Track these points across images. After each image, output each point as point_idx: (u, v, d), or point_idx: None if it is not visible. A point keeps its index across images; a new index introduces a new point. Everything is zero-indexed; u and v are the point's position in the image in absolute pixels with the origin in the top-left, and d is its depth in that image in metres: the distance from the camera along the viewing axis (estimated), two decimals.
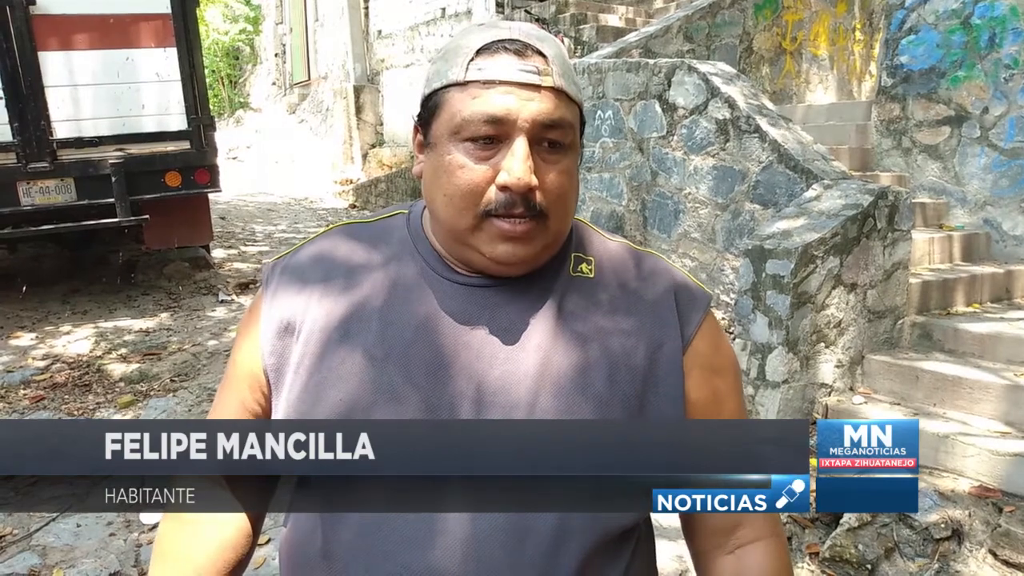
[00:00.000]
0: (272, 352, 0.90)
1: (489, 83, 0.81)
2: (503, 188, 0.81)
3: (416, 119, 0.90)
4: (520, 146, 0.81)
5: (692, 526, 0.96)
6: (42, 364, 4.58)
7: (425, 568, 0.80)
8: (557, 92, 0.83)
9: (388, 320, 0.87)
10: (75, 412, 3.93)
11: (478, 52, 0.83)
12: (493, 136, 0.82)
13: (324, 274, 0.92)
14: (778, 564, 0.93)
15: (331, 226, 0.99)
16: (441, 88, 0.85)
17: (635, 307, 0.91)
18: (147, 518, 2.91)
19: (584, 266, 0.93)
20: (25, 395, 4.13)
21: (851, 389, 3.53)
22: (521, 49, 0.83)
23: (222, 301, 5.85)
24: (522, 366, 0.85)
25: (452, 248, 0.89)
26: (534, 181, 0.81)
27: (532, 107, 0.81)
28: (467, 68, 0.82)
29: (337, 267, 0.92)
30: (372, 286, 0.90)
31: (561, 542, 0.82)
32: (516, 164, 0.80)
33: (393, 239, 0.94)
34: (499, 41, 0.83)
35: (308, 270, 0.93)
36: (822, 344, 3.41)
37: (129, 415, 3.91)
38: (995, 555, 2.56)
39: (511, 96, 0.81)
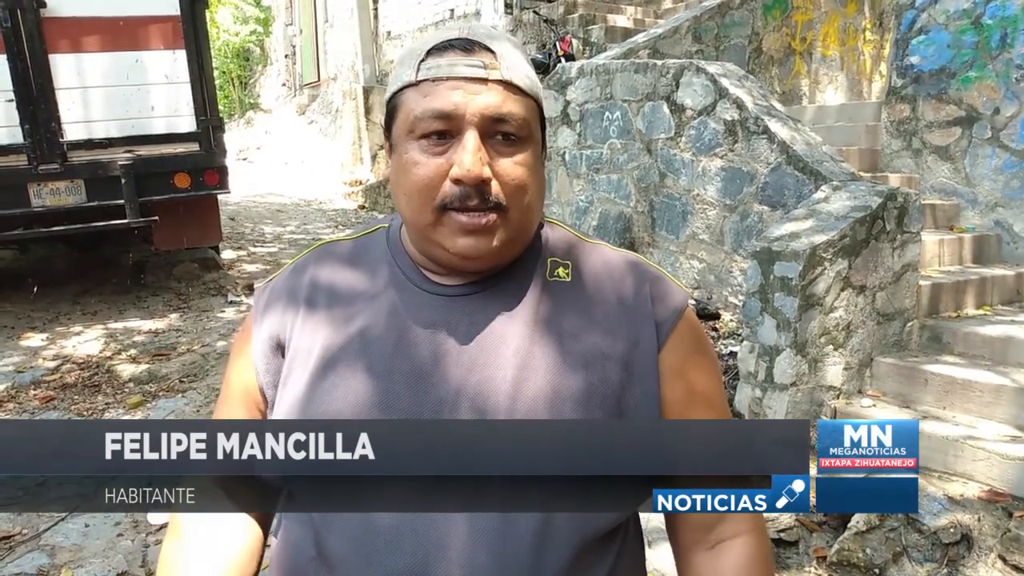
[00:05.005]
0: (267, 370, 0.94)
1: (438, 80, 0.84)
2: (456, 181, 0.83)
3: (383, 126, 0.94)
4: (470, 139, 0.83)
5: (674, 522, 0.96)
6: (52, 364, 4.61)
7: (412, 572, 0.80)
8: (506, 85, 0.85)
9: (369, 334, 0.89)
10: (84, 412, 3.95)
11: (428, 53, 0.86)
12: (444, 131, 0.84)
13: (308, 293, 0.95)
14: (755, 559, 0.93)
15: (315, 245, 1.02)
16: (397, 91, 0.88)
17: (612, 309, 0.92)
18: (154, 518, 2.92)
19: (561, 270, 0.95)
20: (35, 395, 4.16)
21: (859, 392, 3.51)
22: (468, 46, 0.85)
23: (231, 302, 5.87)
24: (500, 371, 0.86)
25: (421, 247, 0.91)
26: (485, 173, 0.83)
27: (480, 101, 0.83)
28: (418, 69, 0.86)
29: (320, 285, 0.95)
30: (353, 302, 0.93)
31: (546, 542, 0.82)
32: (466, 157, 0.82)
33: (373, 254, 0.97)
34: (447, 41, 0.86)
35: (293, 290, 0.96)
36: (830, 346, 3.39)
37: (138, 415, 3.93)
38: (1005, 560, 2.54)
39: (458, 91, 0.84)
